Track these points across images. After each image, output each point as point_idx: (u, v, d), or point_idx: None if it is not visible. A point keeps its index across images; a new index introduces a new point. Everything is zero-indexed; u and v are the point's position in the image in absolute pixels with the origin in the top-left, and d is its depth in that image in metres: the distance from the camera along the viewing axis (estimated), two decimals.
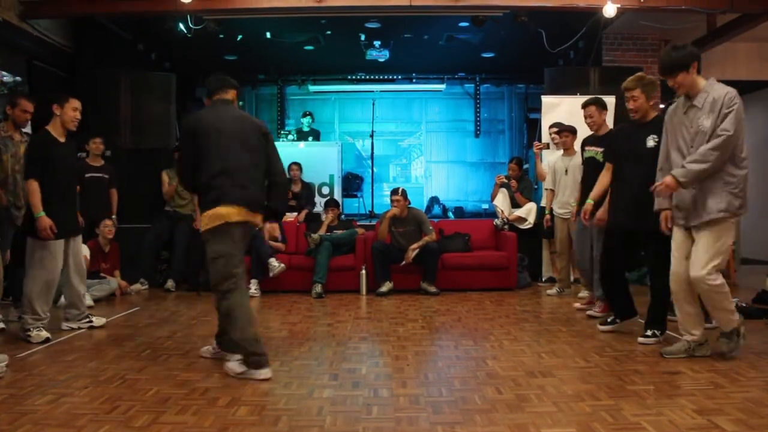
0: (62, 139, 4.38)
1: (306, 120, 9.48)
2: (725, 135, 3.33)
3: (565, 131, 5.81)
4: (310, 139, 9.34)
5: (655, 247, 3.93)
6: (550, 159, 6.09)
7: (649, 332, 4.01)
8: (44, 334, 4.18)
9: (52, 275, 4.28)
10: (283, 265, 6.16)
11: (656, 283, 4.02)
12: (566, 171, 5.74)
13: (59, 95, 4.40)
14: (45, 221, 4.14)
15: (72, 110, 4.34)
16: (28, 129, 5.10)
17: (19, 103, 4.66)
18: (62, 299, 5.54)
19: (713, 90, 3.44)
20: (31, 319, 4.20)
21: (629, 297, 4.33)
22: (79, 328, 4.55)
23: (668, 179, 3.47)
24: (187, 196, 6.85)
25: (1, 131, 4.65)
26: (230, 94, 3.61)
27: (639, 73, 4.07)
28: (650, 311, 4.08)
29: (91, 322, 4.63)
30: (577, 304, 5.40)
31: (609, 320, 4.40)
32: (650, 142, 3.94)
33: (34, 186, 4.17)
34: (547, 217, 6.10)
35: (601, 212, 4.53)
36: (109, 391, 3.08)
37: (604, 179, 4.43)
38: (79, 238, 4.60)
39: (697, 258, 3.45)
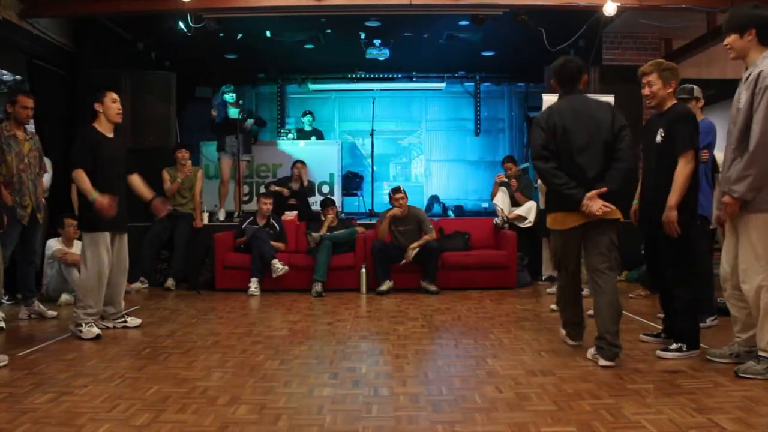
0: (110, 135, 4.43)
1: (306, 119, 9.48)
2: (757, 130, 3.01)
3: None
4: (313, 138, 9.34)
5: (671, 248, 3.58)
6: None
7: (674, 345, 3.60)
8: (95, 330, 4.22)
9: (105, 269, 4.30)
10: (287, 267, 6.15)
11: (679, 292, 3.60)
12: None
13: (95, 95, 4.43)
14: (102, 199, 4.15)
15: (112, 102, 4.40)
16: (31, 127, 5.09)
17: (18, 99, 4.65)
18: (62, 297, 5.56)
19: (762, 63, 3.09)
20: (83, 314, 4.22)
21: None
22: (114, 328, 4.54)
23: (725, 199, 3.17)
24: (188, 194, 6.85)
25: (4, 130, 4.63)
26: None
27: (658, 59, 3.80)
28: (678, 324, 3.66)
29: (125, 322, 4.62)
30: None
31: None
32: (658, 137, 3.61)
33: (81, 174, 4.21)
34: None
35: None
36: (109, 389, 3.09)
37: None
38: (125, 236, 4.59)
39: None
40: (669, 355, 3.56)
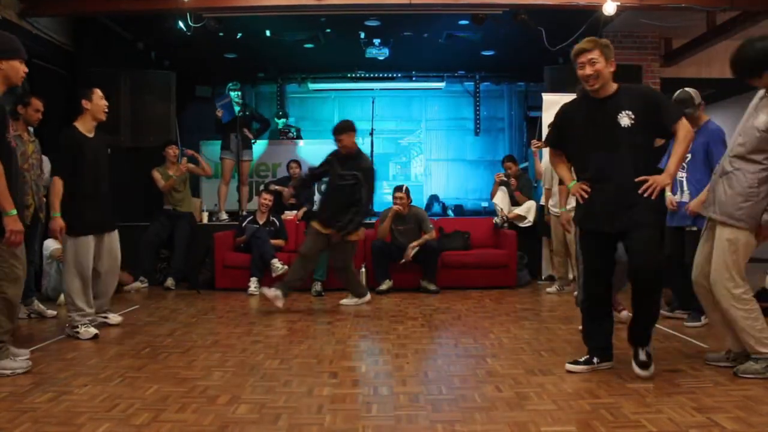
0: (91, 134, 4.44)
1: (281, 122, 9.55)
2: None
3: None
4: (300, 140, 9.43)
5: (635, 244, 3.12)
6: (546, 158, 6.09)
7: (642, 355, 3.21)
8: (92, 330, 4.23)
9: (85, 271, 4.31)
10: (286, 267, 6.15)
11: (639, 302, 3.19)
12: None
13: (83, 91, 4.46)
14: (57, 223, 4.19)
15: (99, 99, 4.43)
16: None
17: (32, 102, 4.70)
18: (61, 297, 5.56)
19: None
20: (78, 316, 4.24)
21: (610, 332, 3.41)
22: (94, 320, 4.55)
23: None
24: (182, 188, 6.82)
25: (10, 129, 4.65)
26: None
27: (591, 37, 3.32)
28: (638, 334, 3.26)
29: (106, 318, 4.63)
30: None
31: (582, 360, 3.36)
32: (624, 119, 3.13)
33: (58, 185, 4.23)
34: (548, 217, 6.09)
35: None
36: (108, 389, 3.08)
37: (563, 171, 3.51)
38: (115, 234, 4.62)
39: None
40: (643, 374, 3.18)
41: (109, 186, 4.58)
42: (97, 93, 4.43)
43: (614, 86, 3.24)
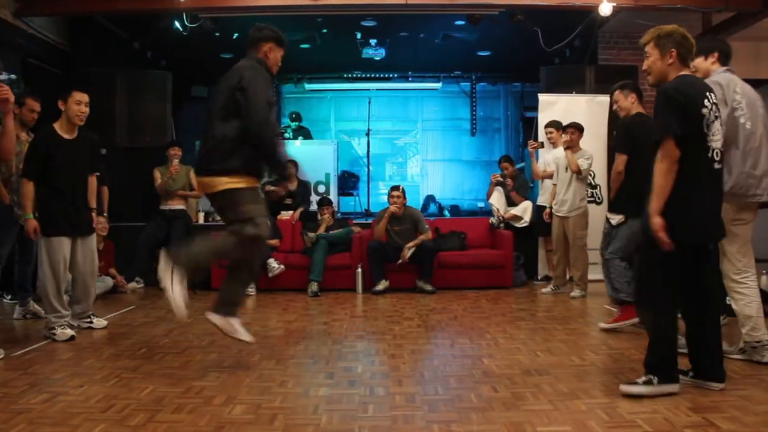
0: (68, 136, 4.29)
1: (293, 124, 9.54)
2: None
3: (570, 127, 5.76)
4: (300, 138, 9.37)
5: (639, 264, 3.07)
6: (556, 154, 6.05)
7: (643, 378, 2.92)
8: (69, 332, 4.19)
9: (58, 273, 4.23)
10: (282, 266, 6.15)
11: (652, 321, 2.96)
12: (567, 168, 5.71)
13: (62, 92, 4.33)
14: (31, 224, 4.17)
15: (75, 104, 4.23)
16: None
17: (26, 102, 4.66)
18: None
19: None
20: (54, 318, 4.20)
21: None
22: (78, 326, 4.53)
23: None
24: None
25: None
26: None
27: (661, 25, 3.09)
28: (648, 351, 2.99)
29: (91, 322, 4.60)
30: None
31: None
32: None
33: (27, 187, 4.18)
34: (547, 211, 6.07)
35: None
36: (104, 389, 3.08)
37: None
38: (92, 237, 4.53)
39: None
40: (635, 390, 2.89)
41: (86, 191, 4.47)
42: (74, 97, 4.23)
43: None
